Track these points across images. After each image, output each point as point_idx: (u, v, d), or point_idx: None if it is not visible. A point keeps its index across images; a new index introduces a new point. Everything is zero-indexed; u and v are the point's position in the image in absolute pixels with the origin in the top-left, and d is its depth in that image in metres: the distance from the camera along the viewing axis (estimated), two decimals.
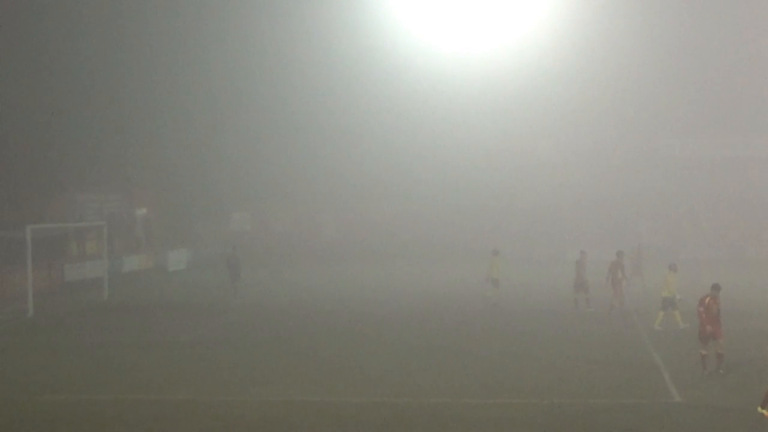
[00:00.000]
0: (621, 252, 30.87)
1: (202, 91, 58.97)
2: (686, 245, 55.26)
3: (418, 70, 59.91)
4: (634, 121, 61.49)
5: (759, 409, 16.75)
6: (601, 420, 16.73)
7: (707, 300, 20.06)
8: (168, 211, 59.27)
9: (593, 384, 19.59)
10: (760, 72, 59.77)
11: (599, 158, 61.53)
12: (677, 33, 59.85)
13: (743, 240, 56.24)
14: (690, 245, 55.29)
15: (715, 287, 20.30)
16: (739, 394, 18.49)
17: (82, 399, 18.80)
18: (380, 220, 60.58)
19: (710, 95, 60.04)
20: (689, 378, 19.92)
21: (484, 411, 17.45)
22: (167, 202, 59.30)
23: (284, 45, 59.32)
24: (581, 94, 60.15)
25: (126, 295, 38.47)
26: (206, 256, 55.74)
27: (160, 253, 51.36)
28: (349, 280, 44.46)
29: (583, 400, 18.17)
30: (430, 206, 59.58)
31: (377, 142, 60.93)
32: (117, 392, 19.33)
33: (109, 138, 54.98)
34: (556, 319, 29.62)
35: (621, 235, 56.08)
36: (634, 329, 27.17)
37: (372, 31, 60.30)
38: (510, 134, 61.75)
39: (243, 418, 17.10)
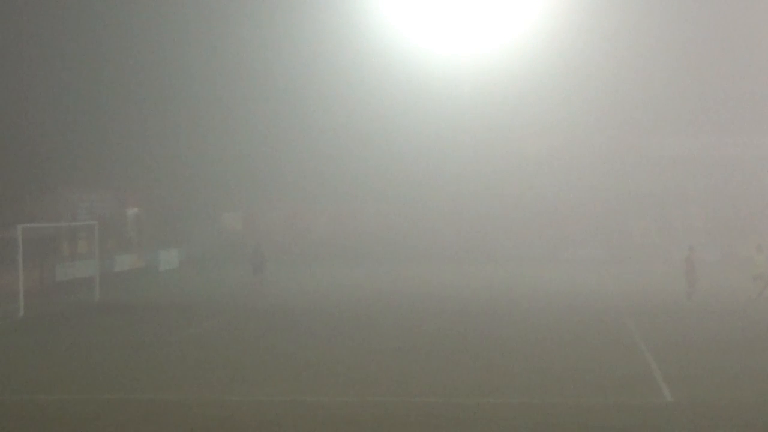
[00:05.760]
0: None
1: (194, 91, 58.84)
2: (679, 245, 55.22)
3: (411, 69, 59.83)
4: (628, 121, 61.51)
5: None
6: (593, 420, 16.68)
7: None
8: (159, 211, 59.15)
9: (585, 384, 19.56)
10: (755, 71, 59.83)
11: (592, 158, 61.54)
12: (671, 33, 59.88)
13: (736, 239, 56.24)
14: (683, 245, 55.22)
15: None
16: (732, 394, 18.49)
17: (74, 399, 18.72)
18: (372, 219, 60.50)
19: (705, 95, 60.07)
20: (682, 377, 19.92)
21: (475, 411, 17.41)
22: (158, 201, 59.18)
23: (276, 44, 59.21)
24: (575, 94, 60.14)
25: (117, 294, 38.40)
26: (197, 255, 55.65)
27: (152, 253, 51.30)
28: (341, 279, 44.45)
29: (575, 400, 18.14)
30: (423, 206, 59.53)
31: (370, 141, 60.84)
32: (108, 392, 19.24)
33: (101, 137, 54.84)
34: (548, 318, 29.64)
35: (614, 235, 56.32)
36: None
37: (364, 30, 60.19)
38: (503, 134, 61.72)
39: (235, 418, 17.03)
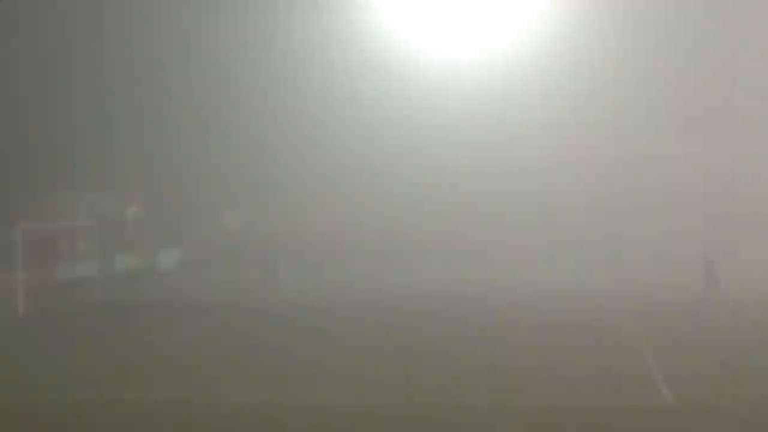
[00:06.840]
0: None
1: (193, 90, 58.79)
2: (679, 245, 55.23)
3: (411, 70, 59.79)
4: (628, 121, 61.44)
5: None
6: (592, 421, 16.65)
7: None
8: (159, 211, 59.11)
9: (584, 384, 19.53)
10: (755, 71, 59.75)
11: (592, 158, 61.48)
12: (670, 33, 59.84)
13: (735, 239, 56.18)
14: (683, 246, 55.22)
15: None
16: (733, 395, 18.46)
17: (73, 399, 18.70)
18: (372, 220, 60.45)
19: (706, 95, 59.99)
20: (682, 378, 19.89)
21: (475, 411, 17.39)
22: (158, 201, 59.14)
23: (275, 44, 59.17)
24: (574, 93, 60.08)
25: (117, 294, 38.38)
26: (197, 255, 55.61)
27: (151, 253, 51.31)
28: (341, 280, 44.42)
29: (574, 401, 18.12)
30: (423, 207, 59.50)
31: (370, 142, 60.79)
32: (107, 392, 19.23)
33: (100, 137, 54.83)
34: (548, 319, 29.61)
35: (615, 235, 56.22)
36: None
37: (365, 29, 60.18)
38: (503, 135, 61.67)
39: (235, 418, 17.02)
